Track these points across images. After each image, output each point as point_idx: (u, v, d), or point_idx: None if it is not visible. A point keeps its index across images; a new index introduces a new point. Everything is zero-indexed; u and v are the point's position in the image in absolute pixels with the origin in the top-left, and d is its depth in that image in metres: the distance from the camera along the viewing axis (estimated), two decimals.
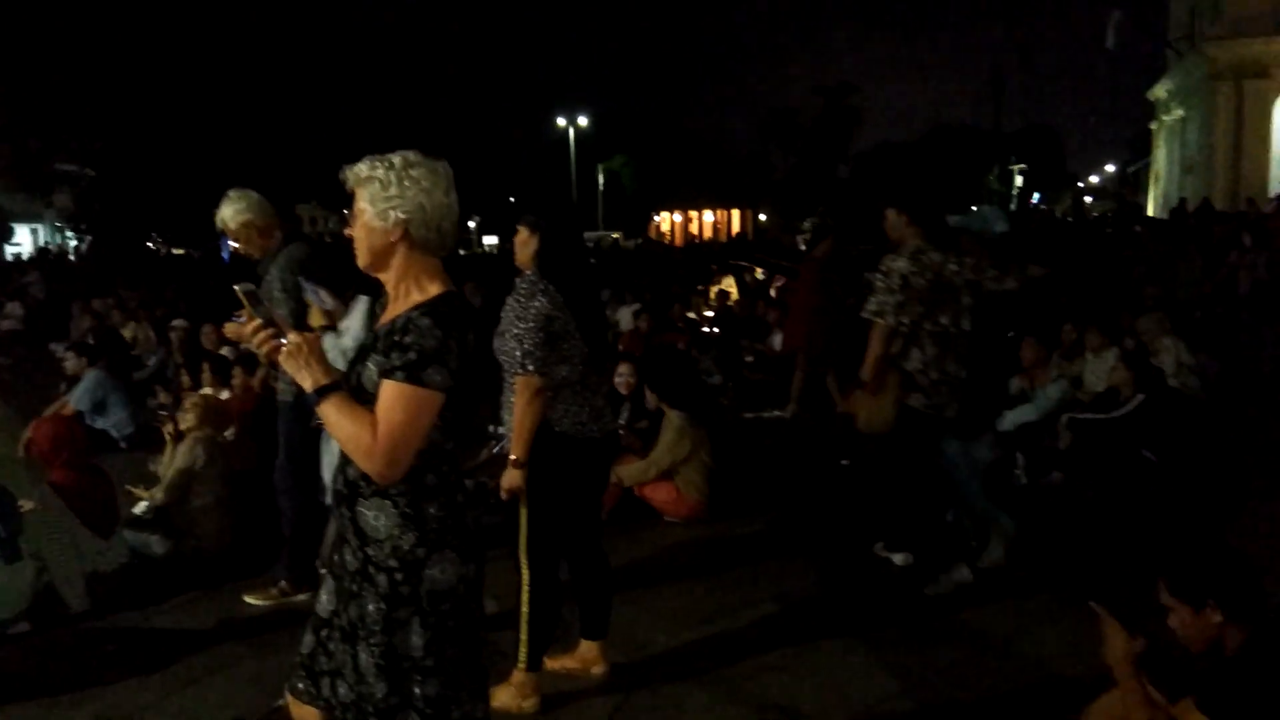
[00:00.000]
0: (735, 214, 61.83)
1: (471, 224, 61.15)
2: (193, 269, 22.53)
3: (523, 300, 3.12)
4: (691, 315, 13.17)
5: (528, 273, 3.23)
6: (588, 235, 40.28)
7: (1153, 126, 32.74)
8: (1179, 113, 28.59)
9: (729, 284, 16.51)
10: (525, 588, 3.18)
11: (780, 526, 5.22)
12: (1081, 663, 3.13)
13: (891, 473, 4.67)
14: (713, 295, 14.78)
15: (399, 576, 1.98)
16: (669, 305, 12.94)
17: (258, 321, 2.02)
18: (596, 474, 3.34)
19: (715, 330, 12.35)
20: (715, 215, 62.70)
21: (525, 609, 3.18)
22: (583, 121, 46.84)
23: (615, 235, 45.33)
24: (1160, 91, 30.65)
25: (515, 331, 3.09)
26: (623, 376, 6.03)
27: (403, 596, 1.98)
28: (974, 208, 4.21)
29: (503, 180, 58.62)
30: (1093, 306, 8.35)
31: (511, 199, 59.37)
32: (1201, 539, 2.88)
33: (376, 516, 1.99)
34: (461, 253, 46.17)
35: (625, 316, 12.57)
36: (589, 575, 3.40)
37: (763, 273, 16.61)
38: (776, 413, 8.38)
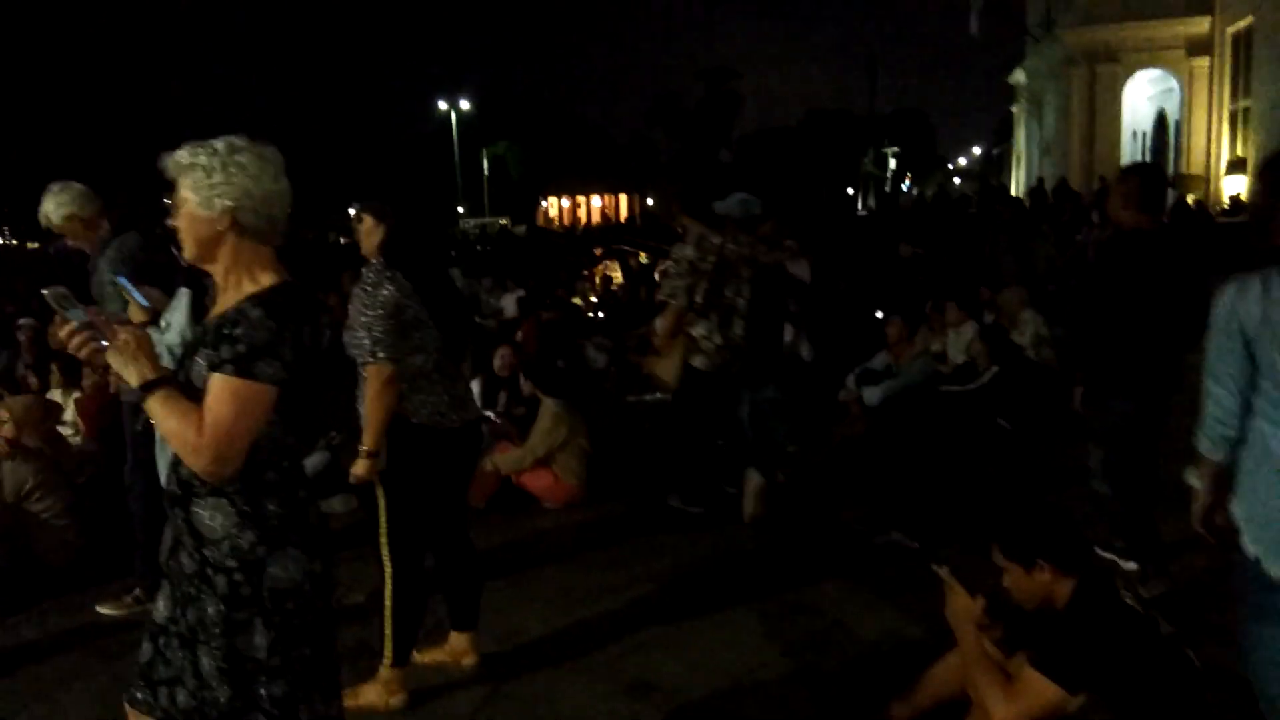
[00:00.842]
0: (623, 198, 61.97)
1: (352, 211, 59.42)
2: (45, 264, 21.21)
3: (370, 289, 3.06)
4: (577, 300, 13.17)
5: (374, 261, 3.17)
6: (475, 221, 39.74)
7: (1014, 110, 34.32)
8: (1038, 97, 30.06)
9: (614, 269, 16.59)
10: (388, 581, 3.12)
11: (657, 508, 5.27)
12: (935, 627, 3.27)
13: (679, 426, 5.33)
14: (597, 280, 14.79)
15: (239, 577, 1.91)
16: (553, 291, 12.90)
17: (71, 324, 1.92)
18: (458, 464, 3.30)
19: (600, 315, 12.40)
20: (603, 200, 62.69)
21: (389, 603, 3.13)
22: (465, 106, 46.01)
23: (503, 221, 44.83)
24: (1020, 76, 32.11)
25: (364, 320, 3.03)
26: (502, 360, 5.98)
27: (243, 597, 1.91)
28: (741, 196, 4.75)
29: (384, 167, 57.18)
30: (955, 283, 8.71)
31: (393, 186, 58.04)
32: (1027, 501, 3.06)
33: (213, 516, 1.91)
34: (343, 241, 44.98)
35: (509, 303, 12.48)
36: (456, 566, 3.36)
37: (647, 256, 16.74)
38: (659, 395, 8.45)
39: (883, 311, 7.26)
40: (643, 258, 16.53)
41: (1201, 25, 23.33)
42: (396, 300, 3.04)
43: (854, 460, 6.05)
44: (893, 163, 49.38)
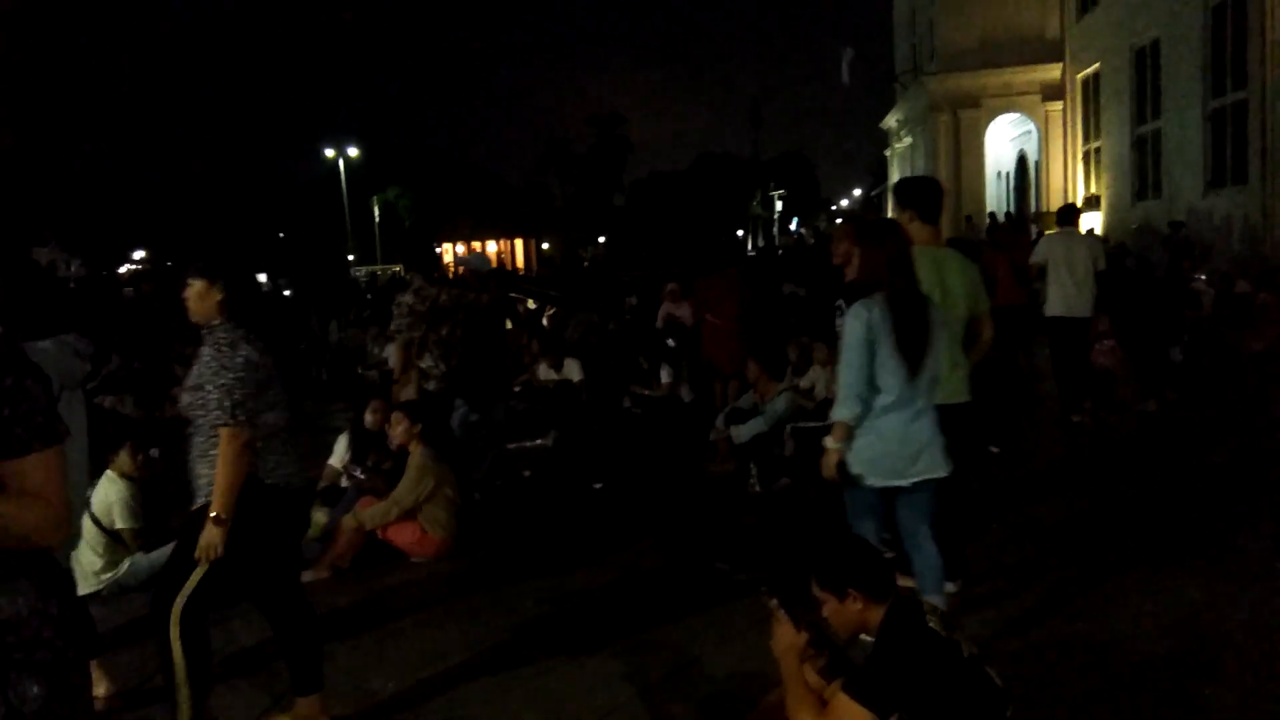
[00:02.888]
0: (519, 243, 61.99)
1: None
2: None
3: (226, 350, 3.05)
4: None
5: (217, 323, 3.15)
6: (365, 269, 39.01)
7: (887, 153, 35.90)
8: (908, 140, 31.50)
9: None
10: (179, 650, 3.01)
11: (527, 555, 5.28)
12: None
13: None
14: None
15: None
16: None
17: None
18: (298, 523, 3.28)
19: None
20: (499, 245, 62.55)
21: (183, 674, 3.01)
22: (353, 153, 45.42)
23: (396, 268, 44.16)
24: (891, 121, 33.67)
25: (222, 383, 3.00)
26: (374, 413, 5.91)
27: None
28: (478, 254, 7.06)
29: (271, 215, 55.84)
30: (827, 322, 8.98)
31: (281, 234, 56.65)
32: (839, 533, 3.21)
33: None
34: None
35: (393, 353, 12.32)
36: (295, 629, 3.30)
37: (535, 303, 16.78)
38: (539, 441, 8.48)
39: (759, 351, 7.45)
40: (530, 304, 16.54)
41: (1054, 72, 24.96)
42: (255, 360, 3.06)
43: (721, 498, 6.19)
44: (779, 205, 50.88)
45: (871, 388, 3.38)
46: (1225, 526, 4.90)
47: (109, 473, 5.02)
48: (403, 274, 39.09)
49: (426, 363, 6.09)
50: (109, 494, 4.95)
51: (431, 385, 6.09)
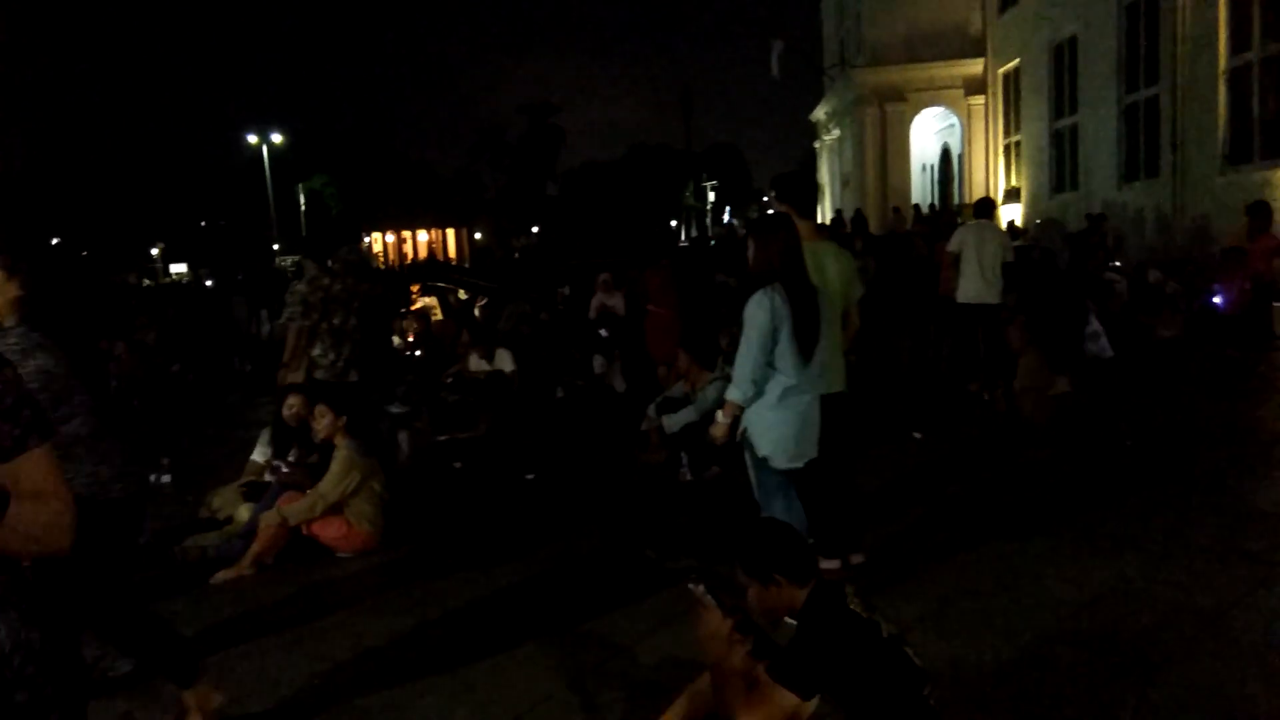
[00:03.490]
0: (450, 233, 61.24)
1: (155, 251, 55.95)
2: None
3: (16, 359, 2.68)
4: (395, 339, 12.88)
5: (10, 325, 2.84)
6: (291, 258, 38.20)
7: (816, 145, 36.38)
8: (836, 132, 31.98)
9: (432, 305, 16.34)
10: None
11: (457, 548, 5.24)
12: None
13: None
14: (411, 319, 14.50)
15: None
16: None
17: None
18: (121, 537, 3.07)
19: (418, 353, 12.19)
20: (430, 235, 61.73)
21: None
22: (277, 139, 44.27)
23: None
24: (820, 114, 34.13)
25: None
26: (292, 408, 5.79)
27: None
28: (351, 246, 6.86)
29: (190, 203, 54.19)
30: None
31: (203, 223, 55.05)
32: (763, 520, 3.27)
33: None
34: (146, 283, 42.11)
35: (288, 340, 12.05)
36: (138, 639, 3.19)
37: (466, 293, 16.59)
38: (470, 433, 8.40)
39: (689, 341, 7.49)
40: (461, 294, 16.36)
41: (976, 67, 25.56)
42: (49, 369, 2.75)
43: (654, 487, 6.22)
44: (712, 195, 51.21)
45: (771, 372, 3.65)
46: (1134, 505, 5.10)
47: None
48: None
49: (317, 351, 6.24)
50: None
51: (320, 374, 6.22)
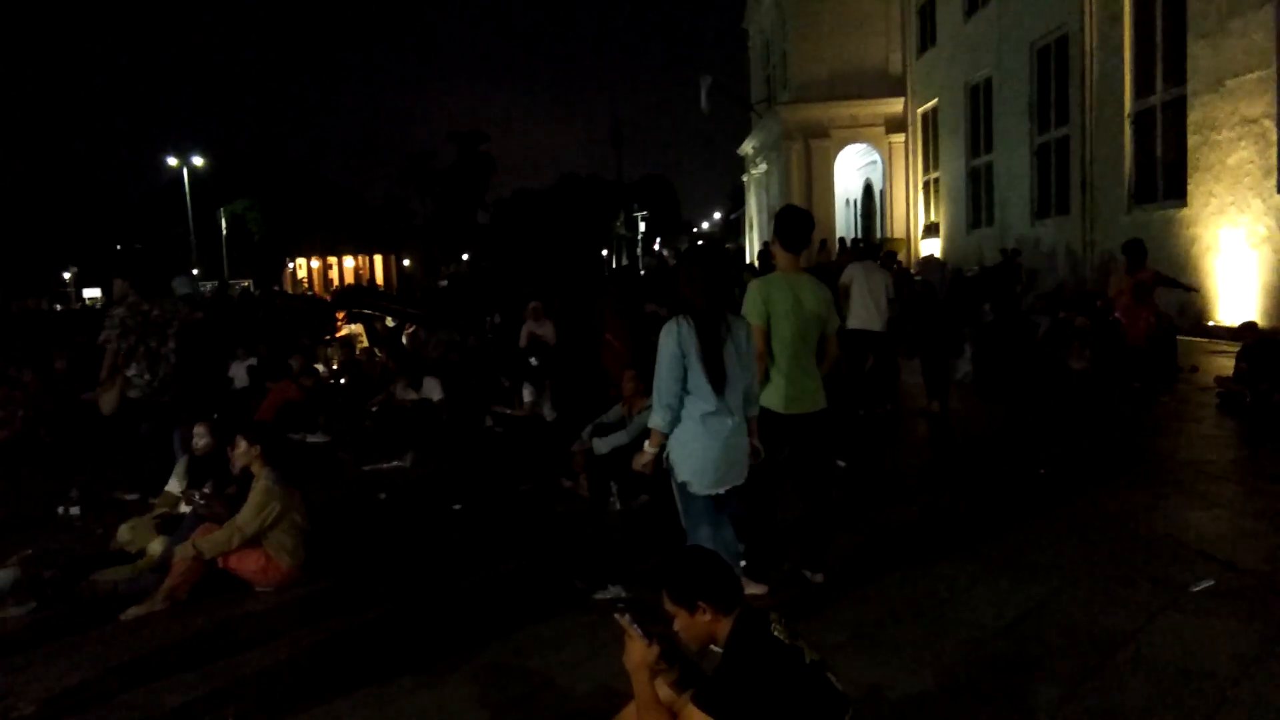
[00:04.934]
0: (378, 259, 60.45)
1: (67, 275, 53.95)
2: None
3: None
4: (319, 366, 12.63)
5: None
6: (211, 284, 37.20)
7: (745, 179, 37.04)
8: (763, 166, 32.61)
9: (359, 331, 16.09)
10: None
11: (381, 581, 5.14)
12: None
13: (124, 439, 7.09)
14: (336, 346, 14.26)
15: None
16: (289, 357, 12.28)
17: None
18: None
19: (342, 381, 11.97)
20: (356, 261, 60.84)
21: None
22: (198, 162, 43.20)
23: (245, 283, 42.38)
24: (748, 148, 34.80)
25: None
26: (202, 439, 5.62)
27: None
28: (185, 278, 7.55)
29: (105, 226, 52.45)
30: None
31: (118, 246, 53.27)
32: (688, 548, 3.30)
33: None
34: (58, 308, 40.49)
35: (239, 372, 11.77)
36: None
37: (394, 320, 16.38)
38: (396, 463, 8.27)
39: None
40: (389, 321, 16.15)
41: (896, 106, 26.41)
42: None
43: (581, 516, 6.20)
44: (642, 226, 51.58)
45: (690, 398, 3.76)
46: (1047, 531, 5.27)
47: None
48: (250, 289, 37.53)
49: (132, 371, 6.77)
50: None
51: (133, 393, 6.76)
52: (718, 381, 3.72)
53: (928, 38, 24.64)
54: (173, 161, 42.65)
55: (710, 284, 3.81)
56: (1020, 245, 17.49)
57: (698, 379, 3.72)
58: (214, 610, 4.72)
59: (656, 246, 51.78)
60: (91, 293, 48.62)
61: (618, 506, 6.28)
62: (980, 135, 21.56)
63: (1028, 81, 18.49)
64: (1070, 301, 13.49)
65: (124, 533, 5.58)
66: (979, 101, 21.47)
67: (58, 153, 54.18)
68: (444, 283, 25.00)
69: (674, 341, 3.73)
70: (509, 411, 9.81)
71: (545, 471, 7.32)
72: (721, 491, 3.85)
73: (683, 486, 3.86)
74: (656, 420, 3.80)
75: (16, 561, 4.93)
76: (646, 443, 3.89)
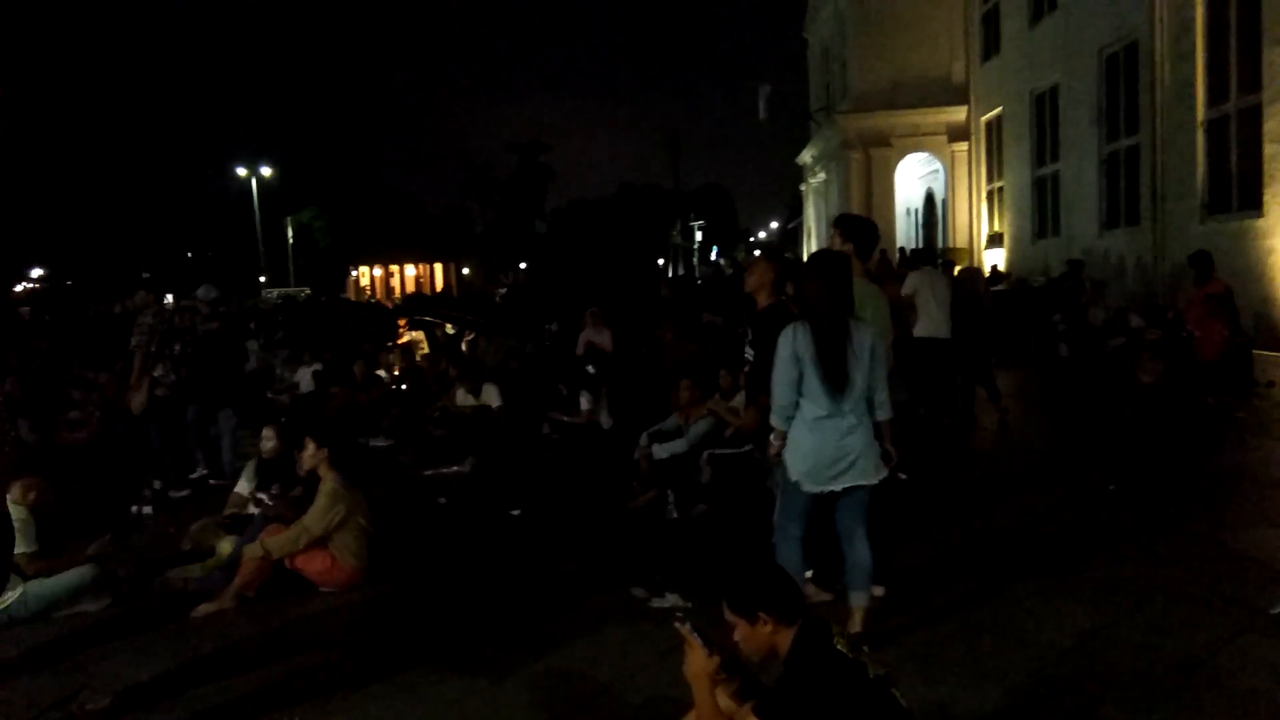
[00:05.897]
0: (438, 268, 61.32)
1: (146, 276, 55.66)
2: None
3: None
4: (381, 372, 12.86)
5: None
6: (278, 291, 38.09)
7: (803, 188, 36.79)
8: (822, 175, 32.37)
9: (420, 338, 16.36)
10: None
11: (442, 584, 5.20)
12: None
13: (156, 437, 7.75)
14: (398, 352, 14.50)
15: None
16: (353, 363, 12.52)
17: None
18: None
19: (403, 387, 12.16)
20: (417, 269, 61.82)
21: None
22: (267, 172, 44.37)
23: (306, 290, 43.30)
24: (806, 157, 34.56)
25: None
26: (270, 441, 5.76)
27: None
28: (207, 285, 8.68)
29: (178, 234, 54.09)
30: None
31: (189, 253, 54.90)
32: (750, 558, 3.28)
33: None
34: (122, 309, 41.78)
35: (305, 376, 12.04)
36: None
37: (454, 328, 16.61)
38: (456, 468, 8.38)
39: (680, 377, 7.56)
40: (449, 329, 16.37)
41: (959, 114, 26.01)
42: None
43: (639, 525, 6.21)
44: (699, 235, 51.59)
45: (803, 400, 3.84)
46: (1116, 549, 5.13)
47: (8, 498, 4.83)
48: (313, 296, 38.33)
49: (159, 372, 7.62)
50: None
51: (161, 391, 7.62)
52: (835, 385, 3.78)
53: (991, 45, 24.24)
54: (242, 172, 43.88)
55: (834, 289, 3.86)
56: (1088, 256, 17.08)
57: (812, 383, 3.80)
58: (281, 609, 4.83)
59: (713, 255, 51.73)
60: (165, 299, 50.14)
61: (674, 515, 6.28)
62: (1046, 144, 21.12)
63: (1095, 89, 18.07)
64: (1141, 313, 13.14)
65: (195, 532, 5.73)
66: (1045, 109, 21.05)
67: (133, 163, 56.04)
68: (501, 291, 25.29)
69: (788, 347, 3.82)
70: (566, 419, 9.87)
71: (603, 479, 7.34)
72: (838, 489, 3.88)
73: (793, 485, 3.93)
74: (775, 420, 3.92)
75: (97, 550, 5.08)
76: (772, 436, 3.97)
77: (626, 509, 6.57)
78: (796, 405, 3.86)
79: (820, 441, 3.82)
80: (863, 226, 4.77)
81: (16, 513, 4.79)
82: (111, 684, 4.01)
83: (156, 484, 7.34)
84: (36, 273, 53.75)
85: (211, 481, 7.76)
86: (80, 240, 50.29)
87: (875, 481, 3.91)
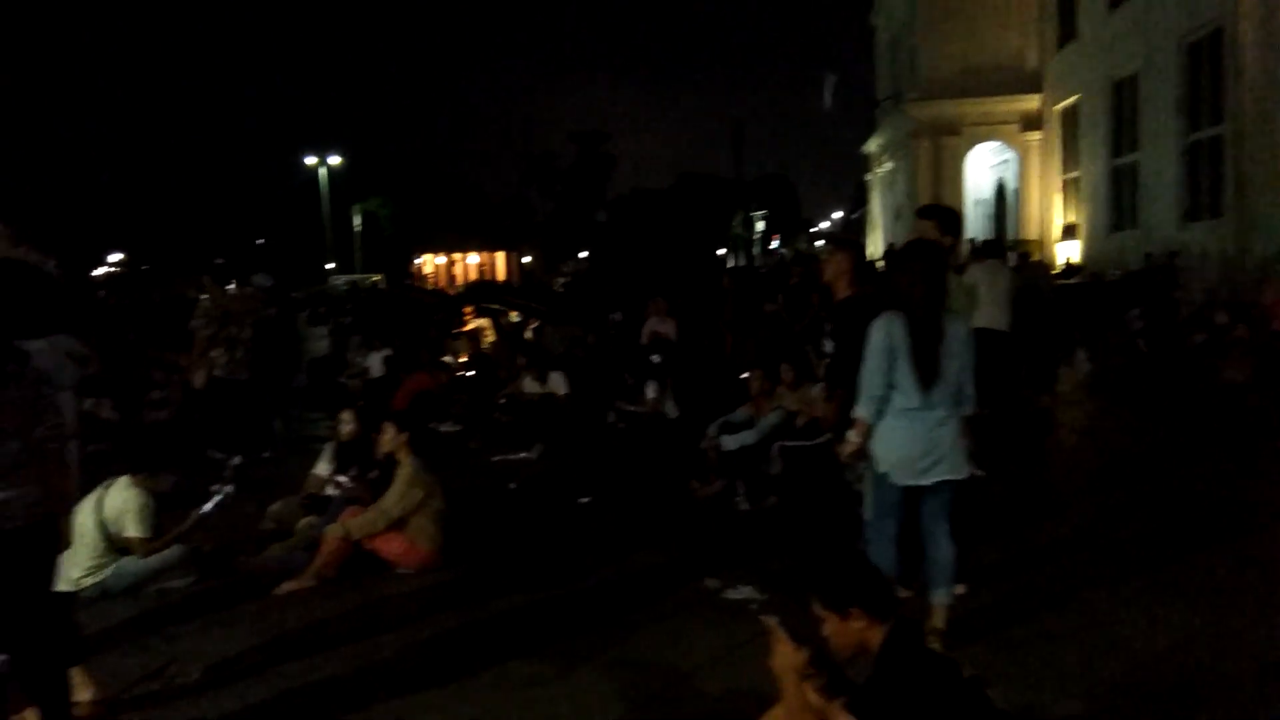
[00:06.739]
0: (500, 256, 61.83)
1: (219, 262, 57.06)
2: None
3: None
4: (448, 359, 13.03)
5: None
6: (345, 278, 38.81)
7: (868, 178, 36.25)
8: (889, 165, 31.85)
9: (485, 326, 16.51)
10: None
11: (515, 569, 5.25)
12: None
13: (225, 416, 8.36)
14: (465, 340, 14.67)
15: None
16: (421, 350, 12.72)
17: None
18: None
19: (470, 373, 12.30)
20: (480, 258, 62.39)
21: None
22: (335, 161, 45.13)
23: (375, 278, 44.03)
24: (873, 146, 34.04)
25: None
26: (347, 425, 5.86)
27: None
28: (263, 274, 9.69)
29: (248, 220, 55.39)
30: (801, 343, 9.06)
31: (259, 240, 56.22)
32: (841, 551, 3.23)
33: None
34: (202, 297, 42.88)
35: (375, 362, 12.25)
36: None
37: (519, 315, 16.74)
38: (524, 454, 8.45)
39: (746, 368, 7.54)
40: (514, 316, 16.51)
41: (1033, 103, 25.36)
42: None
43: (708, 515, 6.19)
44: (760, 225, 51.17)
45: (893, 393, 3.73)
46: (1206, 552, 4.96)
47: (127, 479, 5.01)
48: (379, 283, 39.02)
49: (215, 353, 8.15)
50: (125, 501, 4.94)
51: (219, 371, 8.18)
52: (927, 378, 3.69)
53: (1067, 31, 23.57)
54: (311, 161, 44.70)
55: (929, 281, 3.76)
56: (1167, 249, 16.55)
57: (904, 374, 3.70)
58: (360, 589, 4.93)
59: (773, 245, 51.32)
60: (232, 287, 51.40)
61: (745, 506, 6.24)
62: (1124, 133, 20.50)
63: (1177, 77, 17.46)
64: (1225, 308, 12.68)
65: (275, 511, 5.87)
66: (1123, 97, 20.42)
67: (208, 153, 57.60)
68: (561, 280, 25.42)
69: (884, 336, 3.72)
70: (632, 408, 9.88)
71: (670, 469, 7.33)
72: (928, 483, 3.78)
73: (882, 478, 3.83)
74: (861, 411, 3.80)
75: (185, 528, 5.21)
76: (851, 432, 3.86)
77: (693, 498, 6.56)
78: (885, 398, 3.76)
79: (910, 433, 3.74)
80: (954, 218, 4.69)
81: (142, 498, 4.97)
82: (199, 658, 4.13)
83: (236, 459, 7.56)
84: (115, 257, 55.56)
85: (265, 455, 8.29)
86: (157, 227, 51.76)
87: (964, 477, 3.83)
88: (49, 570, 3.06)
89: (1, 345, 2.92)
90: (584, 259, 45.97)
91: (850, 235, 45.42)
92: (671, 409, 9.78)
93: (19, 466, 2.84)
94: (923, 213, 4.92)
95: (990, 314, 8.81)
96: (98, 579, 4.81)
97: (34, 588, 2.98)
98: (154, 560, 4.94)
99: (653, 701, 3.60)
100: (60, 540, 3.09)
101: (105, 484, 5.03)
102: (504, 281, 37.74)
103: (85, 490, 4.75)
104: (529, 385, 10.01)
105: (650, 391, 9.95)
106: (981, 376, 7.79)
